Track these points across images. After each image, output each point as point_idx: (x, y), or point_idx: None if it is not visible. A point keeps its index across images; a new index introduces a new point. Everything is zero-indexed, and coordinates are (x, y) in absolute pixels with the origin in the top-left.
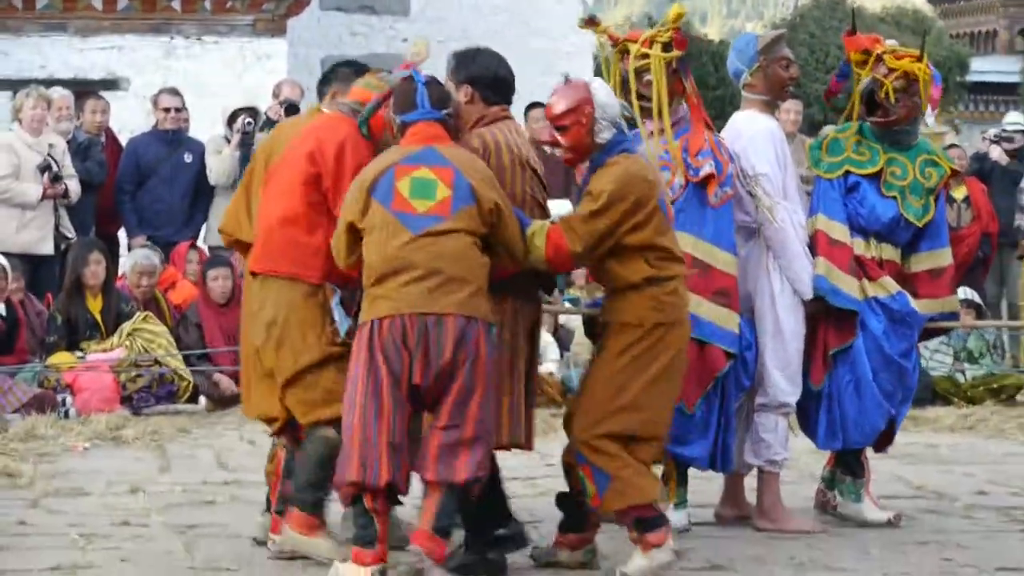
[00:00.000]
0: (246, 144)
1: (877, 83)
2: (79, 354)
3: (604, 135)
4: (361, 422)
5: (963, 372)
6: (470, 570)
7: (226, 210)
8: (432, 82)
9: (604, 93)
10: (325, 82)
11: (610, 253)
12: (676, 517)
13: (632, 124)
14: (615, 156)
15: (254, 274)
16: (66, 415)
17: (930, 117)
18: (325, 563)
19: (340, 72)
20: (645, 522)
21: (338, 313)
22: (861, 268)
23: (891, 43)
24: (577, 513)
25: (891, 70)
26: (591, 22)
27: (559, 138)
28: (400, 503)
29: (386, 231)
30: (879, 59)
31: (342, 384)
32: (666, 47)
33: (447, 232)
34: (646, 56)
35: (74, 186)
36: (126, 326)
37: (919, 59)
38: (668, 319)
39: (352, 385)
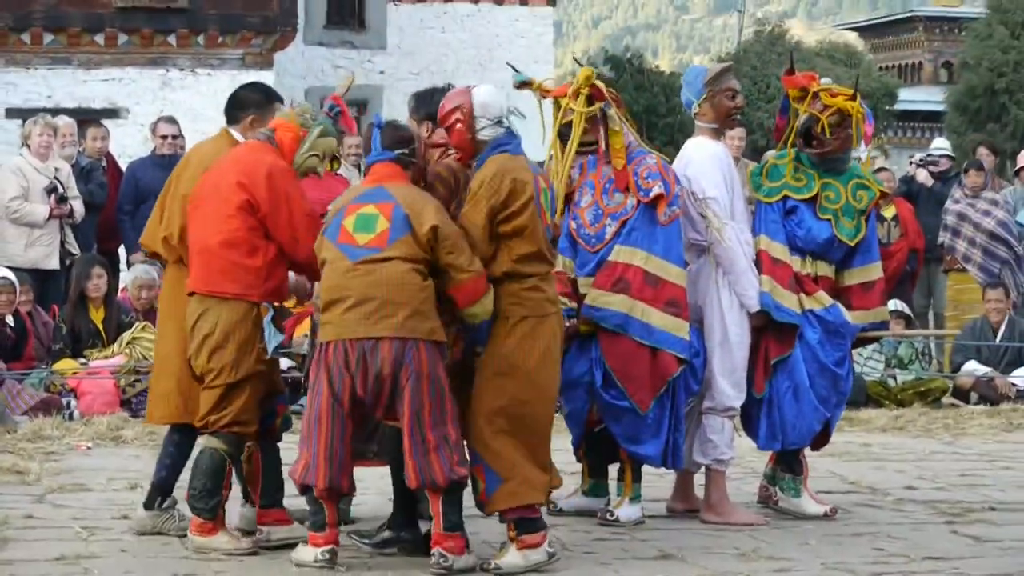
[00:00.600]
0: None
1: (814, 119)
2: (82, 361)
3: (485, 133)
4: (307, 432)
5: (894, 377)
6: (387, 544)
7: (147, 225)
8: (388, 126)
9: (485, 93)
10: (240, 107)
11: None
12: (632, 510)
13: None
14: (495, 154)
15: (191, 292)
16: (71, 417)
17: (863, 152)
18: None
19: (253, 99)
20: (526, 523)
21: (268, 330)
22: (798, 284)
23: (826, 81)
24: None
25: (826, 107)
26: (525, 84)
27: (448, 138)
28: (349, 496)
29: (332, 263)
30: (815, 96)
31: (252, 405)
32: (590, 100)
33: (383, 260)
34: (572, 109)
35: (78, 206)
36: (126, 335)
37: (853, 97)
38: (532, 312)
39: (308, 399)
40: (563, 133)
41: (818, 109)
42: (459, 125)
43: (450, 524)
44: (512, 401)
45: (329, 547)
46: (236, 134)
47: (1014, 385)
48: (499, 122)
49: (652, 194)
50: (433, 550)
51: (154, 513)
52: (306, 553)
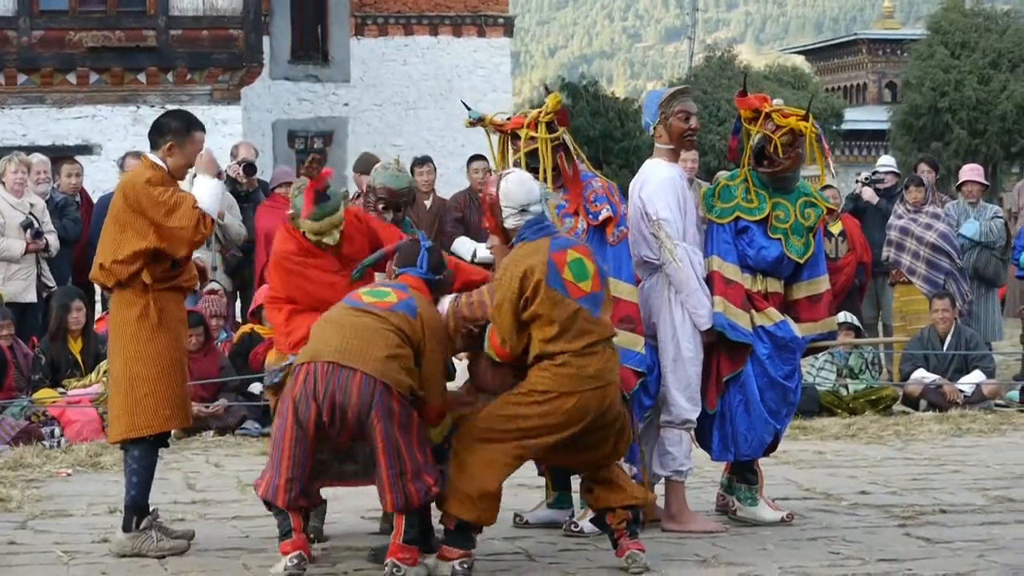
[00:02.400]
0: None
1: (767, 139)
2: (61, 390)
3: (509, 222)
4: (272, 451)
5: (846, 387)
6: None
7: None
8: (432, 250)
9: (511, 181)
10: (160, 134)
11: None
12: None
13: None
14: (517, 244)
15: None
16: (58, 444)
17: (830, 178)
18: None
19: (173, 126)
20: (446, 533)
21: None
22: (749, 301)
23: (778, 102)
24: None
25: (779, 127)
26: (478, 121)
27: None
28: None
29: (334, 308)
30: (767, 117)
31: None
32: (550, 127)
33: (377, 315)
34: (533, 138)
35: (53, 241)
36: (103, 364)
37: (805, 117)
38: (558, 388)
39: (276, 415)
40: (528, 162)
41: (770, 129)
42: (488, 212)
43: (409, 538)
44: (494, 441)
45: (296, 553)
46: (155, 159)
47: (961, 391)
48: (523, 210)
49: (600, 217)
50: (387, 560)
51: (132, 535)
52: (278, 565)
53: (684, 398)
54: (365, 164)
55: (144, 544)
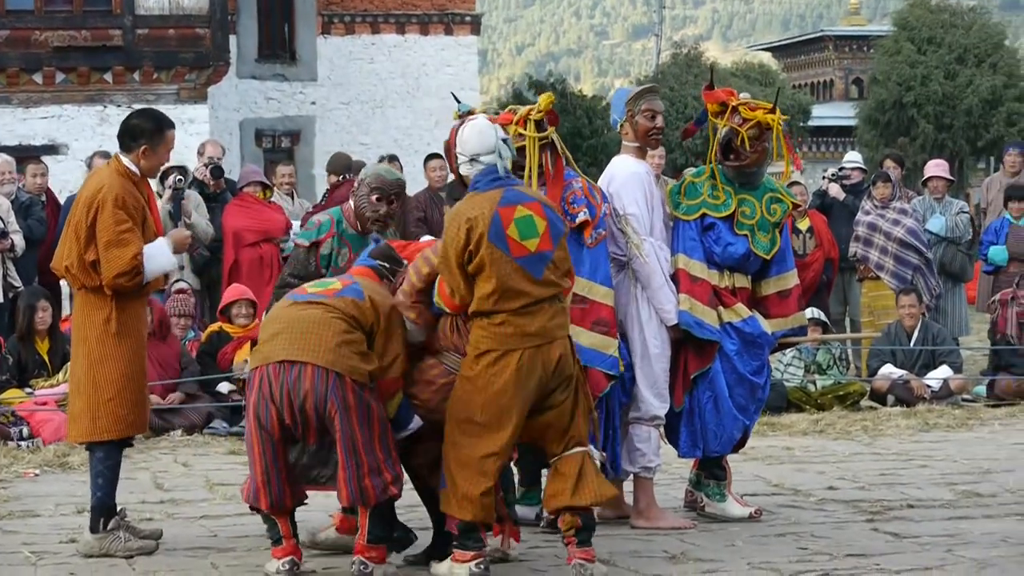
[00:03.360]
0: (177, 199)
1: (734, 132)
2: (28, 390)
3: (462, 169)
4: (249, 456)
5: (814, 383)
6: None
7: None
8: (382, 245)
9: (467, 128)
10: (132, 136)
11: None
12: None
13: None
14: (469, 193)
15: None
16: (28, 444)
17: (797, 175)
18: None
19: (146, 128)
20: (457, 538)
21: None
22: (717, 297)
23: (745, 96)
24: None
25: (745, 120)
26: (468, 115)
27: None
28: (297, 507)
29: (278, 306)
30: (735, 110)
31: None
32: (539, 125)
33: (322, 304)
34: (521, 135)
35: (19, 241)
36: (70, 364)
37: (772, 111)
38: (498, 346)
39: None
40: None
41: (737, 123)
42: (450, 161)
43: (374, 537)
44: (468, 422)
45: (288, 558)
46: (127, 161)
47: (928, 387)
48: (473, 160)
49: (578, 220)
50: (354, 558)
51: (100, 535)
52: (271, 566)
53: (652, 394)
54: (336, 163)
55: (112, 544)
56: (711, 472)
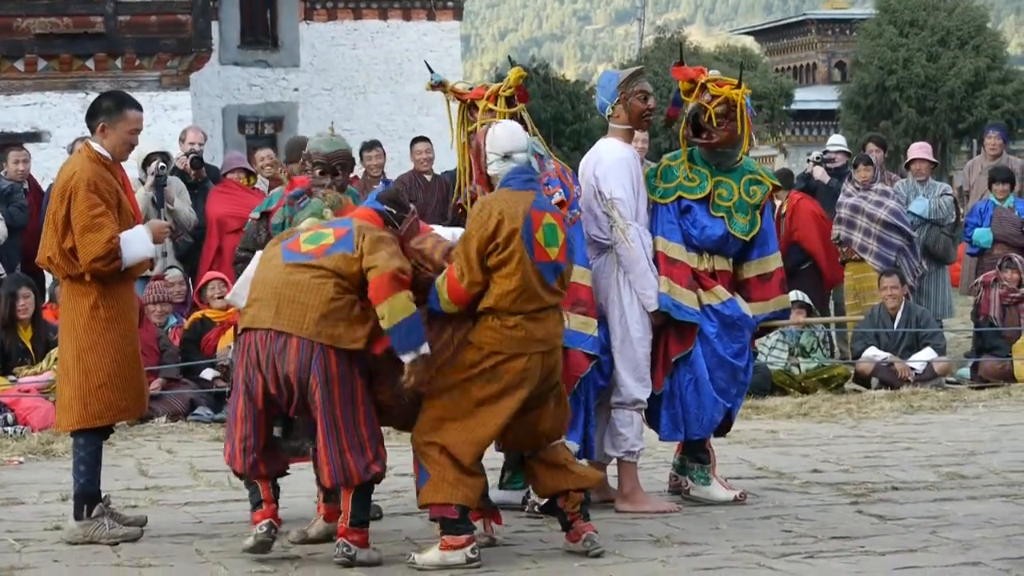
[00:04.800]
0: (159, 186)
1: (702, 108)
2: (12, 379)
3: (492, 168)
4: (228, 422)
5: (797, 366)
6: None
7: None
8: (388, 190)
9: (498, 129)
10: (92, 117)
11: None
12: None
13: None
14: (501, 188)
15: None
16: (12, 432)
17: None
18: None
19: (104, 106)
20: (448, 524)
21: None
22: (696, 280)
23: (714, 73)
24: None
25: (714, 96)
26: (439, 85)
27: None
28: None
29: (269, 260)
30: (703, 87)
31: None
32: (509, 101)
33: (310, 267)
34: (492, 111)
35: (0, 228)
36: (54, 352)
37: (738, 86)
38: (505, 350)
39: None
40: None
41: (706, 100)
42: (474, 159)
43: (357, 520)
44: (457, 417)
45: (267, 520)
46: (97, 146)
47: (912, 369)
48: (506, 157)
49: (553, 200)
50: (337, 540)
51: (84, 523)
52: (249, 539)
53: (634, 379)
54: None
55: (96, 531)
56: (695, 456)
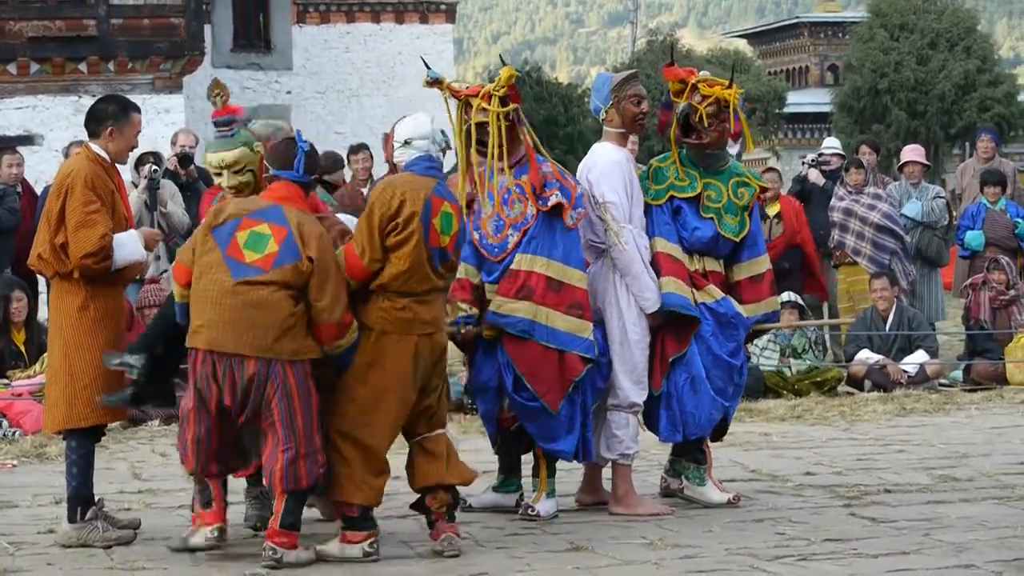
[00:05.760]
0: (152, 188)
1: (692, 108)
2: (4, 381)
3: (397, 154)
4: (180, 423)
5: (789, 367)
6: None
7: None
8: (310, 151)
9: (407, 118)
10: (98, 121)
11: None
12: (548, 504)
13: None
14: (401, 173)
15: None
16: (4, 436)
17: (732, 147)
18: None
19: (111, 110)
20: (348, 520)
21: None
22: (690, 279)
23: (704, 74)
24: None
25: (704, 97)
26: (436, 82)
27: None
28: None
29: (214, 271)
30: (694, 88)
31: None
32: (502, 101)
33: (262, 283)
34: (485, 110)
35: None
36: (47, 354)
37: (728, 87)
38: (396, 330)
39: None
40: (472, 133)
41: (697, 100)
42: (384, 147)
43: (287, 523)
44: (360, 406)
45: (217, 525)
46: (96, 148)
47: (905, 372)
48: (406, 143)
49: (550, 203)
50: (265, 544)
51: (78, 526)
52: (197, 536)
53: (631, 381)
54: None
55: (90, 535)
56: (692, 455)
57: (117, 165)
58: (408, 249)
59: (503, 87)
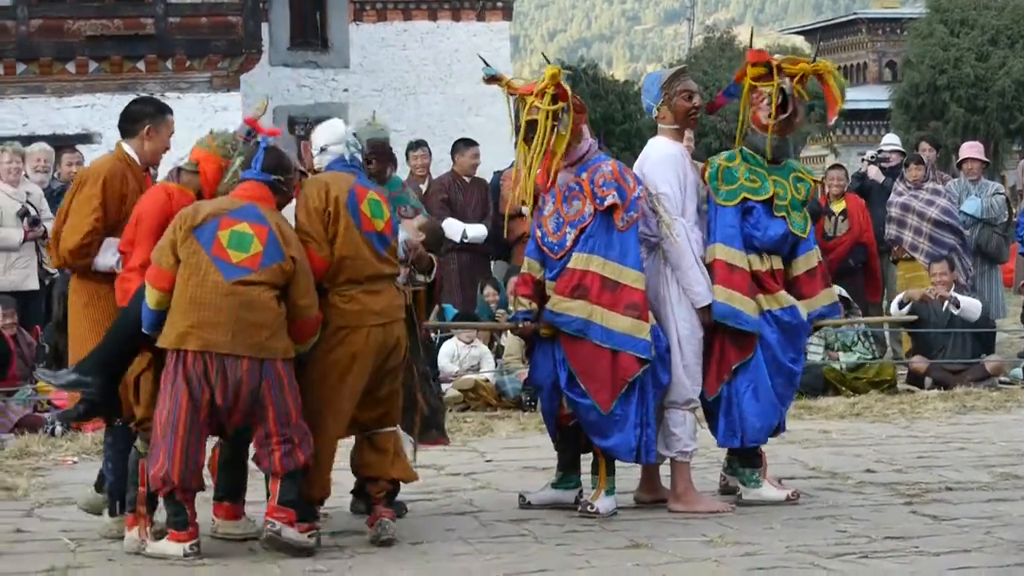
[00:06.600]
0: None
1: (790, 86)
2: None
3: (316, 160)
4: (162, 435)
5: (837, 361)
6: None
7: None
8: (271, 150)
9: (320, 126)
10: (135, 120)
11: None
12: (608, 502)
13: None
14: (323, 172)
15: None
16: (52, 433)
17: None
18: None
19: (147, 111)
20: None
21: None
22: (758, 283)
23: (778, 56)
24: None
25: (792, 75)
26: (493, 79)
27: None
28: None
29: (201, 272)
30: (779, 69)
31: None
32: (554, 99)
33: (253, 283)
34: (537, 107)
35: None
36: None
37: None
38: (348, 323)
39: (161, 401)
40: (527, 131)
41: (785, 83)
42: (306, 155)
43: (284, 500)
44: (312, 403)
45: (194, 541)
46: (128, 148)
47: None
48: (322, 150)
49: (606, 203)
50: (267, 519)
51: (117, 519)
52: (171, 547)
53: (685, 376)
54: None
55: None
56: (747, 459)
57: (150, 169)
58: (342, 234)
59: (548, 85)
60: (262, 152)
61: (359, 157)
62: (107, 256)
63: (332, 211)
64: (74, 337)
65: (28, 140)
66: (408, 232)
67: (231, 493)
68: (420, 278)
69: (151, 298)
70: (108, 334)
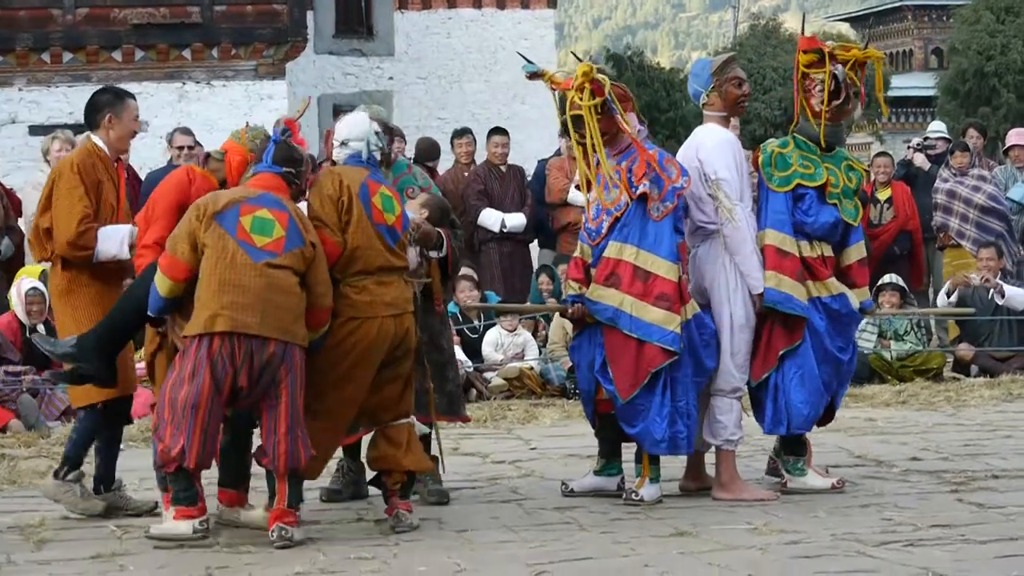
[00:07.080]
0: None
1: (843, 72)
2: None
3: (335, 153)
4: (180, 416)
5: (889, 350)
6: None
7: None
8: (282, 143)
9: (344, 119)
10: (96, 111)
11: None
12: (652, 490)
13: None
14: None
15: None
16: None
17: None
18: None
19: (105, 99)
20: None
21: None
22: (808, 269)
23: (830, 43)
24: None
25: (845, 61)
26: (536, 75)
27: None
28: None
29: (229, 254)
30: (832, 56)
31: None
32: (592, 93)
33: (279, 267)
34: (578, 104)
35: None
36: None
37: (864, 48)
38: (358, 314)
39: (175, 380)
40: (569, 125)
41: (841, 66)
42: (327, 149)
43: (291, 502)
44: (319, 390)
45: (204, 517)
46: (97, 140)
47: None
48: (343, 144)
49: (638, 191)
50: (274, 525)
51: (58, 483)
52: (181, 526)
53: (733, 365)
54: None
55: (66, 496)
56: (791, 448)
57: (121, 157)
58: (355, 224)
59: (583, 83)
60: (272, 145)
61: (377, 156)
62: (108, 245)
63: (345, 200)
64: (58, 325)
65: (75, 129)
66: (411, 212)
67: (231, 480)
68: (432, 254)
69: (163, 286)
70: (112, 311)
